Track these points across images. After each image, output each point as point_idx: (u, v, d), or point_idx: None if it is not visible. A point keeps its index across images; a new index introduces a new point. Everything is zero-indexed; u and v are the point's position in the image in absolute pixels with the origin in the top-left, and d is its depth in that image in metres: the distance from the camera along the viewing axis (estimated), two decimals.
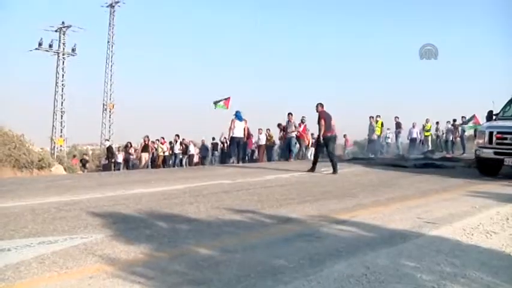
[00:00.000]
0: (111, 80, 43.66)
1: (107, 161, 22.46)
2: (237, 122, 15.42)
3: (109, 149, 22.97)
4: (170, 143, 21.74)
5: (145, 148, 20.41)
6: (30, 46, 40.32)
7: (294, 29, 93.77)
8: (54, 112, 40.69)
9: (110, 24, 43.85)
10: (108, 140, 23.76)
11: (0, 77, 67.23)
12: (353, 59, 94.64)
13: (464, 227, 5.08)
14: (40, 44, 39.74)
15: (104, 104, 43.78)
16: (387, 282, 3.27)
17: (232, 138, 15.68)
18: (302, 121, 18.78)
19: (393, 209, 6.27)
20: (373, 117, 21.12)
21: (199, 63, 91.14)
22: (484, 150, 10.84)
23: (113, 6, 43.61)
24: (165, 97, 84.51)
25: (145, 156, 20.47)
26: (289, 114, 17.50)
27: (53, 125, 40.57)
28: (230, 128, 15.60)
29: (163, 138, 21.87)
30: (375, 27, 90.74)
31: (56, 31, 40.54)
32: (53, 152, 35.16)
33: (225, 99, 19.87)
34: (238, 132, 15.51)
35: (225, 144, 21.52)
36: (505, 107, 11.62)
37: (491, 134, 10.69)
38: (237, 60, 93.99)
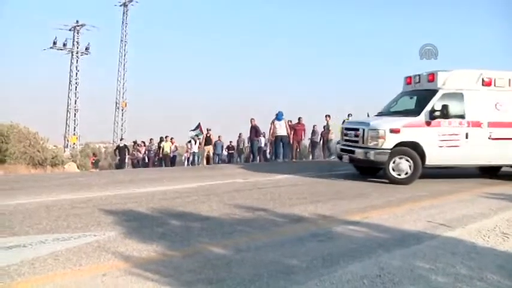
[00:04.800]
0: (124, 78, 43.97)
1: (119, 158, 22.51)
2: (277, 122, 16.10)
3: (124, 148, 23.04)
4: (189, 141, 21.77)
5: (207, 141, 20.47)
6: (45, 45, 40.85)
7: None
8: (67, 110, 41.12)
9: (123, 22, 44.20)
10: (122, 139, 23.87)
11: (15, 76, 68.16)
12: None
13: (479, 229, 5.02)
14: (54, 43, 40.17)
15: (116, 102, 44.11)
16: (401, 283, 3.24)
17: (276, 137, 16.23)
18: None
19: (406, 209, 6.21)
20: (329, 116, 19.08)
21: (212, 62, 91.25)
22: (337, 146, 10.88)
23: (126, 5, 43.89)
24: (177, 96, 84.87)
25: (208, 149, 20.55)
26: (252, 119, 18.03)
27: (67, 123, 40.99)
28: (271, 129, 16.45)
29: (172, 138, 21.91)
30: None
31: (70, 30, 40.98)
32: (66, 149, 35.52)
33: (198, 127, 21.80)
34: (282, 131, 16.09)
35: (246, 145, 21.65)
36: (391, 101, 11.00)
37: (342, 130, 10.72)
38: (248, 58, 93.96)
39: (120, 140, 24.16)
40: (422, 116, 9.52)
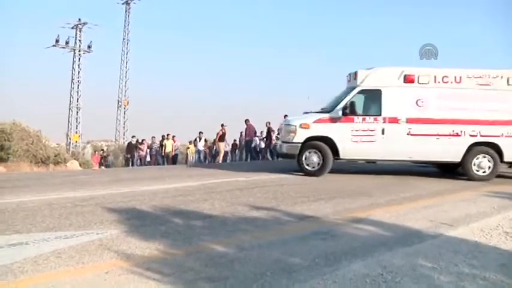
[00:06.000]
0: (126, 76, 43.96)
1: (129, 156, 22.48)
2: None
3: (133, 145, 23.03)
4: (195, 140, 21.71)
5: (222, 137, 20.36)
6: (48, 43, 40.86)
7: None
8: (69, 108, 41.16)
9: (125, 21, 44.17)
10: (134, 136, 23.92)
11: (18, 74, 68.28)
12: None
13: (482, 227, 5.00)
14: (57, 41, 40.14)
15: (118, 101, 44.14)
16: (404, 282, 3.23)
17: None
18: None
19: (409, 208, 6.21)
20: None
21: (214, 60, 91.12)
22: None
23: (129, 3, 43.83)
24: (179, 94, 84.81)
25: (222, 146, 20.43)
26: (246, 119, 19.05)
27: (69, 121, 41.04)
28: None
29: (174, 136, 21.92)
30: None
31: (72, 28, 40.91)
32: (68, 147, 35.56)
33: None
34: None
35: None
36: (336, 99, 10.88)
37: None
38: (251, 56, 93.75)
39: (132, 138, 24.19)
40: (335, 112, 10.04)
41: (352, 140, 9.94)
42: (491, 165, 9.88)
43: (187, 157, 21.94)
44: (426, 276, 3.36)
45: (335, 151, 10.00)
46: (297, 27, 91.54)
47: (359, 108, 10.14)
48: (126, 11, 44.04)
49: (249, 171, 10.78)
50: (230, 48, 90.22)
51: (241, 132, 22.41)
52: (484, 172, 9.91)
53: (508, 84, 9.93)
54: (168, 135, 21.87)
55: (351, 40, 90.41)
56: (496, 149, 9.86)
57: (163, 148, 21.38)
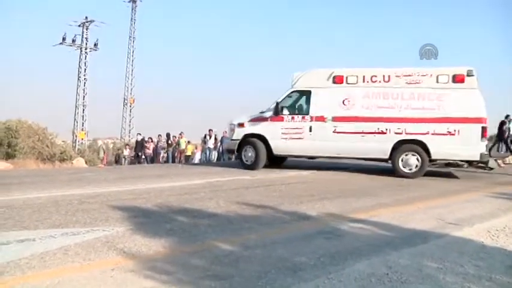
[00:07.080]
0: (132, 74, 44.20)
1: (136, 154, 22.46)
2: None
3: (140, 143, 23.07)
4: (205, 136, 21.61)
5: None
6: (54, 41, 41.13)
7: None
8: (76, 106, 41.39)
9: (131, 19, 44.41)
10: (140, 134, 23.90)
11: (25, 72, 68.69)
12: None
13: (488, 228, 4.97)
14: (64, 39, 40.46)
15: (124, 98, 44.31)
16: (409, 282, 3.21)
17: None
18: None
19: (414, 208, 6.18)
20: None
21: (218, 59, 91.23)
22: None
23: (135, 2, 44.10)
24: (185, 92, 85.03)
25: None
26: None
27: (75, 119, 41.28)
28: None
29: (181, 133, 21.94)
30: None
31: (79, 26, 41.22)
32: (74, 145, 35.74)
33: None
34: None
35: None
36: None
37: None
38: (263, 56, 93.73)
39: (137, 135, 24.23)
40: (267, 112, 10.89)
41: (281, 137, 10.68)
42: (418, 163, 9.94)
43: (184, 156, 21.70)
44: (432, 276, 3.35)
45: (268, 147, 10.77)
46: (299, 27, 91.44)
47: (290, 108, 10.84)
48: (132, 9, 44.30)
49: (255, 170, 10.79)
50: (235, 47, 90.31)
51: None
52: (411, 169, 9.99)
53: (437, 82, 9.97)
54: (180, 133, 21.94)
55: (352, 40, 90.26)
56: (423, 147, 9.89)
57: (177, 146, 21.40)
